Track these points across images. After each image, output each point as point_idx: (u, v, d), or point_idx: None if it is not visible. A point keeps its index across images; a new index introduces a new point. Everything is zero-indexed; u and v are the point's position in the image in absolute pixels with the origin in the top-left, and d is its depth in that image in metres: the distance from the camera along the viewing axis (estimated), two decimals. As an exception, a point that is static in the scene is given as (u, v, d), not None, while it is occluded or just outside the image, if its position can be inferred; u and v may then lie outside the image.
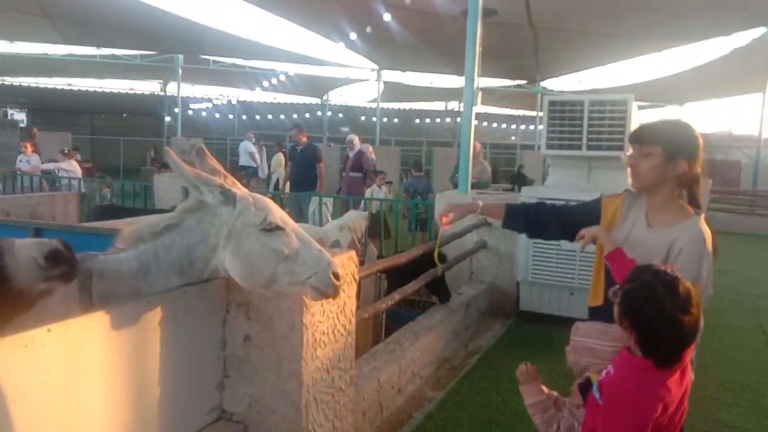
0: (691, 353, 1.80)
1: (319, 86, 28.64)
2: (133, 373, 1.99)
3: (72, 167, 11.48)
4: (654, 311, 1.70)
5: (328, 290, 2.01)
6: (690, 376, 1.84)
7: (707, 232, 2.12)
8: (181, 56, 22.70)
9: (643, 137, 2.17)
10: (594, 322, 2.11)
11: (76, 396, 1.80)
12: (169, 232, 2.12)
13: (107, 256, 2.13)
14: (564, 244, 4.94)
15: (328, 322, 2.52)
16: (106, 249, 2.18)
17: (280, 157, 14.93)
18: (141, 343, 2.02)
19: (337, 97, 31.95)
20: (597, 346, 1.98)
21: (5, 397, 1.61)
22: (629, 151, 2.24)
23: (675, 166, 2.11)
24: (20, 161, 11.60)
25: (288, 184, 10.47)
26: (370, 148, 11.24)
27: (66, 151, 12.11)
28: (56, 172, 11.31)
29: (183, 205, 2.16)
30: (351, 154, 10.97)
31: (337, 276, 2.00)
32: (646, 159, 2.14)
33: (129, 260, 2.11)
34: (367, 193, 10.28)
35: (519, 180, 15.03)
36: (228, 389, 2.41)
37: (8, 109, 31.74)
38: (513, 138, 35.57)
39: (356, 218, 6.20)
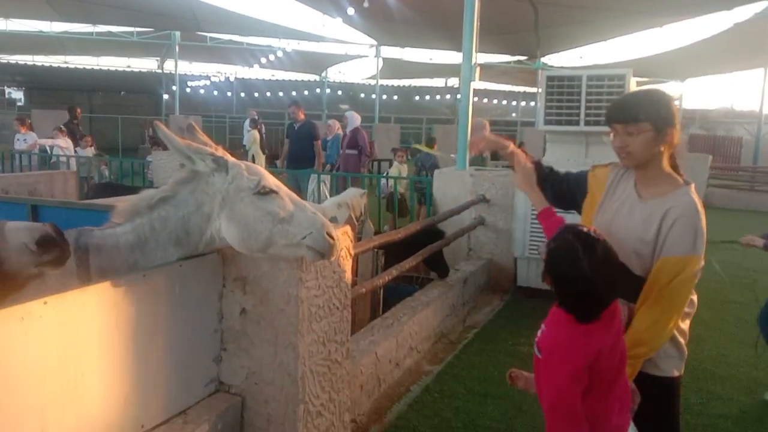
0: (616, 306, 1.87)
1: (317, 63, 28.40)
2: (131, 345, 2.01)
3: (67, 144, 11.44)
4: (570, 270, 1.78)
5: (324, 250, 2.03)
6: (620, 317, 1.89)
7: (700, 202, 2.12)
8: (178, 33, 22.49)
9: (629, 115, 2.10)
10: None
11: (74, 368, 1.82)
12: (164, 204, 2.13)
13: (104, 231, 2.15)
14: None
15: (324, 296, 2.53)
16: (102, 225, 2.20)
17: (255, 135, 14.91)
18: (138, 316, 2.04)
19: (335, 74, 31.71)
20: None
21: (2, 369, 1.63)
22: (612, 131, 2.16)
23: (664, 138, 2.10)
24: (17, 140, 11.56)
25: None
26: (357, 117, 11.10)
27: (62, 128, 12.04)
28: (50, 149, 11.27)
29: (176, 177, 2.17)
30: (347, 131, 10.94)
31: (332, 236, 2.02)
32: (637, 137, 2.09)
33: (126, 234, 2.13)
34: (393, 170, 10.18)
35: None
36: (225, 362, 2.44)
37: (5, 87, 31.57)
38: (513, 115, 35.42)
39: (354, 196, 6.21)
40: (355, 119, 10.93)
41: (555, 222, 2.24)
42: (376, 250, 4.80)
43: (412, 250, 4.80)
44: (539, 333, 1.92)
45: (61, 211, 3.56)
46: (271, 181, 2.11)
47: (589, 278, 1.75)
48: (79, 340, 1.83)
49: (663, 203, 2.10)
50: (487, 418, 3.59)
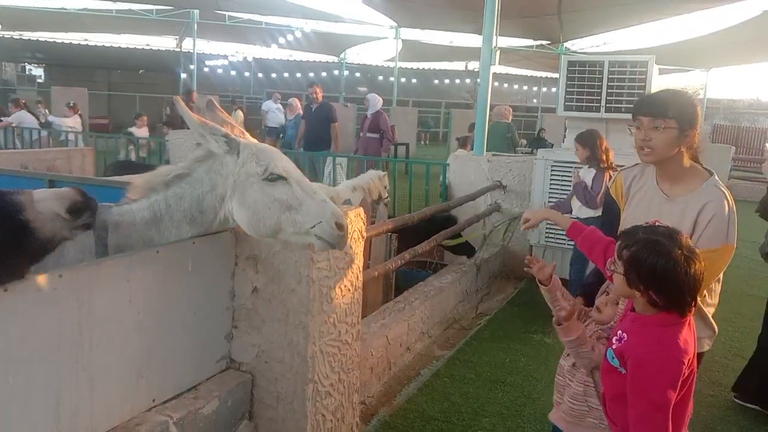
0: None
1: (336, 44, 28.22)
2: (143, 320, 2.03)
3: (75, 123, 11.52)
4: (668, 263, 1.69)
5: (333, 240, 2.01)
6: (694, 323, 1.84)
7: (726, 189, 2.18)
8: (197, 11, 22.42)
9: (656, 110, 2.15)
10: None
11: (88, 340, 1.85)
12: (180, 182, 2.13)
13: (121, 207, 2.16)
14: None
15: (335, 278, 2.54)
16: (119, 201, 2.20)
17: (239, 115, 14.94)
18: (151, 292, 2.05)
19: (354, 55, 31.49)
20: None
21: (18, 340, 1.65)
22: (636, 122, 2.21)
23: (687, 137, 2.15)
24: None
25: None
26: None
27: (72, 105, 12.12)
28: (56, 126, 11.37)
29: (193, 154, 2.17)
30: (369, 114, 10.78)
31: (341, 226, 1.99)
32: (661, 133, 2.13)
33: (142, 210, 2.14)
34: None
35: (538, 143, 14.83)
36: (237, 339, 2.46)
37: (26, 64, 31.81)
38: (534, 100, 35.05)
39: (373, 178, 6.15)
40: (377, 102, 10.67)
41: (590, 232, 2.28)
42: (389, 233, 4.79)
43: (422, 238, 4.79)
44: (615, 341, 1.82)
45: (79, 186, 3.58)
46: (282, 166, 2.08)
47: (687, 262, 1.69)
48: (93, 313, 1.85)
49: (696, 199, 2.15)
50: (497, 404, 3.59)
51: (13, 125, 10.78)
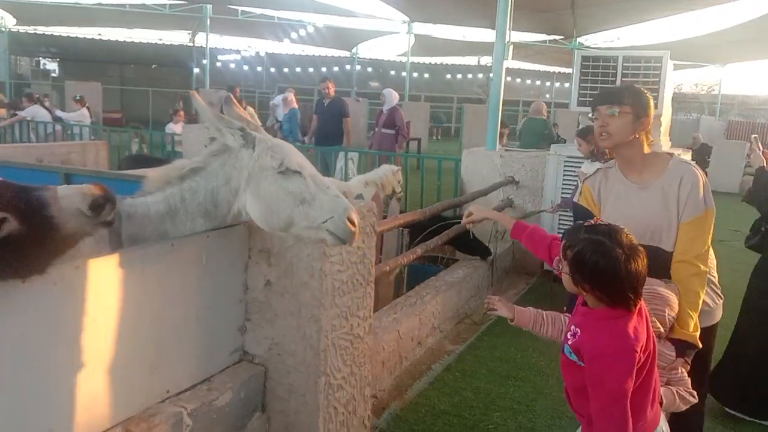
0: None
1: (348, 39, 28.23)
2: (158, 312, 2.05)
3: (83, 116, 11.59)
4: (609, 262, 1.74)
5: (344, 235, 2.00)
6: (646, 310, 1.90)
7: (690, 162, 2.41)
8: (209, 6, 22.51)
9: (611, 99, 2.35)
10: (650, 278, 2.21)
11: (104, 331, 1.87)
12: (195, 176, 2.15)
13: (135, 199, 2.17)
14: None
15: (348, 272, 2.54)
16: (134, 194, 2.22)
17: (250, 110, 14.98)
18: (166, 284, 2.07)
19: (366, 50, 31.47)
20: (665, 294, 2.17)
21: (35, 332, 1.67)
22: (594, 113, 2.40)
23: (642, 123, 2.35)
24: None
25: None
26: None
27: (78, 98, 12.19)
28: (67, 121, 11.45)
29: (208, 148, 2.18)
30: (384, 110, 10.72)
31: (353, 222, 1.99)
32: (617, 118, 2.32)
33: (156, 203, 2.15)
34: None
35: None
36: (250, 332, 2.47)
37: (41, 58, 32.07)
38: (547, 96, 34.84)
39: (386, 173, 6.15)
40: (392, 98, 10.62)
41: (533, 231, 2.41)
42: (401, 228, 4.79)
43: (431, 235, 4.79)
44: (570, 337, 1.86)
45: (94, 180, 3.61)
46: (297, 160, 2.08)
47: (628, 260, 1.73)
48: (108, 305, 1.87)
49: (670, 178, 2.33)
50: (508, 399, 3.59)
51: (27, 119, 10.88)
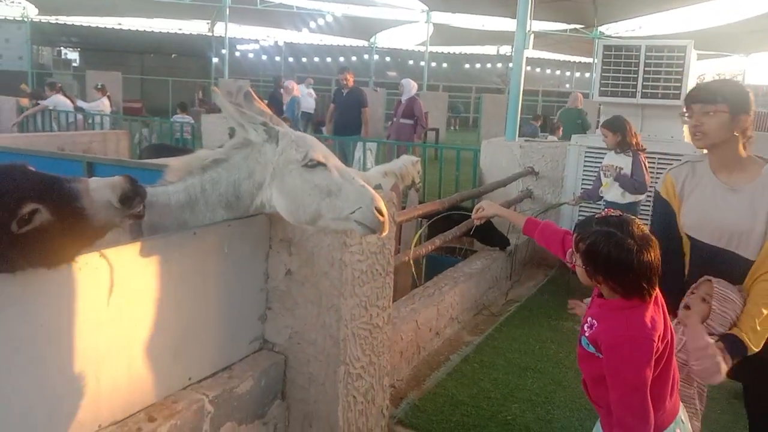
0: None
1: (366, 28, 28.14)
2: (180, 299, 2.07)
3: (104, 106, 11.67)
4: (621, 253, 1.73)
5: (373, 225, 1.99)
6: (662, 298, 1.88)
7: None
8: (229, -5, 22.56)
9: (707, 97, 2.23)
10: (720, 280, 2.21)
11: (127, 318, 1.89)
12: (217, 167, 2.16)
13: (156, 188, 2.19)
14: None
15: (367, 261, 2.54)
16: (156, 182, 2.24)
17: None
18: (188, 272, 2.09)
19: (384, 40, 31.36)
20: (736, 299, 2.15)
21: (62, 318, 1.70)
22: (687, 111, 2.29)
23: (740, 122, 2.21)
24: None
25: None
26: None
27: (99, 87, 12.27)
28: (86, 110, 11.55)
29: (231, 141, 2.19)
30: (403, 100, 10.64)
31: (380, 211, 1.98)
32: (712, 117, 2.20)
33: (177, 193, 2.17)
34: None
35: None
36: (270, 320, 2.49)
37: (62, 48, 32.38)
38: (567, 86, 34.48)
39: (406, 164, 6.12)
40: (411, 87, 10.55)
41: (545, 226, 2.39)
42: (420, 219, 4.78)
43: (447, 226, 4.77)
44: (587, 328, 1.86)
45: (116, 169, 3.66)
46: (322, 152, 2.08)
47: (640, 251, 1.73)
48: (132, 292, 1.90)
49: (762, 185, 2.21)
50: (526, 391, 3.58)
51: (50, 108, 11.00)
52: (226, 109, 2.09)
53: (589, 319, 1.87)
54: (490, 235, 5.33)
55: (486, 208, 2.67)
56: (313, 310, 2.43)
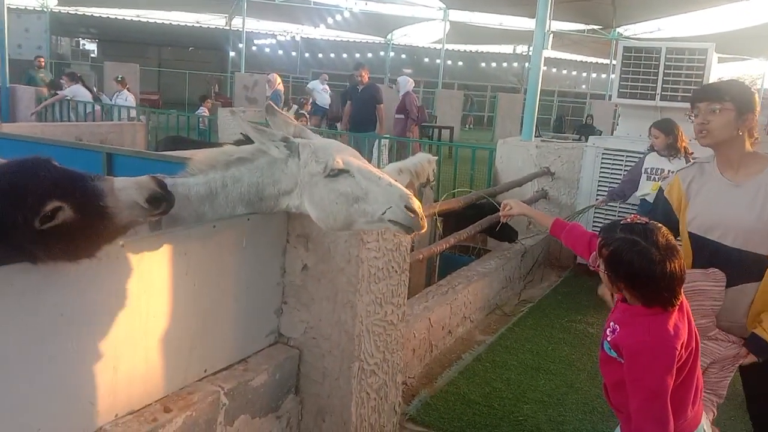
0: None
1: (383, 25, 28.10)
2: (198, 291, 2.08)
3: (130, 99, 11.75)
4: (644, 263, 1.71)
5: (407, 222, 1.96)
6: (687, 306, 1.86)
7: None
8: (247, -10, 22.64)
9: (712, 95, 2.25)
10: (690, 270, 2.17)
11: (145, 309, 1.90)
12: (241, 165, 2.16)
13: (176, 179, 2.19)
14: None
15: (384, 258, 2.55)
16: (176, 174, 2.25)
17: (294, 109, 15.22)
18: (206, 265, 2.10)
19: (401, 37, 31.28)
20: (707, 288, 2.14)
21: (82, 308, 1.71)
22: (693, 110, 2.31)
23: (746, 120, 2.23)
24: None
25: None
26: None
27: (119, 79, 12.36)
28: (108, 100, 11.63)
29: (258, 144, 2.20)
30: (400, 96, 10.86)
31: (411, 209, 1.95)
32: (719, 115, 2.22)
33: (197, 185, 2.17)
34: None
35: (587, 130, 14.60)
36: (286, 315, 2.50)
37: (80, 39, 32.59)
38: (583, 86, 34.26)
39: (422, 161, 6.12)
40: (406, 84, 10.75)
41: (572, 228, 2.38)
42: (435, 217, 4.78)
43: (467, 222, 4.76)
44: (609, 333, 1.84)
45: (135, 160, 3.67)
46: (343, 157, 2.05)
47: (663, 261, 1.71)
48: (151, 283, 1.91)
49: (765, 178, 2.21)
50: (539, 392, 3.57)
51: (68, 98, 11.10)
52: (248, 133, 2.11)
53: (611, 323, 1.86)
54: (499, 227, 5.31)
55: (515, 207, 2.65)
56: (329, 306, 2.43)
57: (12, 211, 1.45)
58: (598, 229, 2.21)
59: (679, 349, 1.73)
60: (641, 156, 5.12)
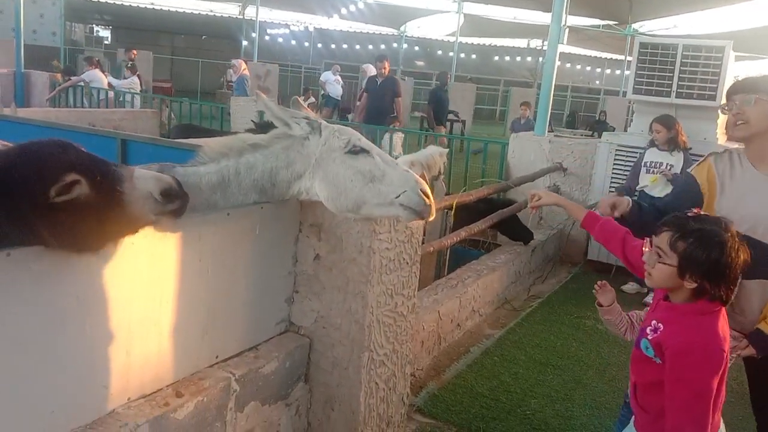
0: None
1: (397, 16, 27.99)
2: (211, 278, 2.09)
3: (134, 84, 11.79)
4: (726, 255, 1.70)
5: (419, 208, 1.98)
6: (724, 312, 1.84)
7: None
8: (261, -22, 22.60)
9: (748, 87, 2.26)
10: None
11: (159, 294, 1.92)
12: (254, 152, 2.17)
13: (187, 169, 2.19)
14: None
15: (395, 250, 2.55)
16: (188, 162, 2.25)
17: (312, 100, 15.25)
18: (219, 252, 2.11)
19: (414, 29, 31.15)
20: None
21: (97, 291, 1.73)
22: (728, 103, 2.29)
23: None
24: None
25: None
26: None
27: (129, 65, 12.40)
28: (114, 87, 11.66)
29: (274, 131, 2.21)
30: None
31: (426, 194, 1.97)
32: (755, 106, 2.20)
33: (209, 174, 2.17)
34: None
35: (600, 126, 14.50)
36: (297, 303, 2.51)
37: (94, 25, 32.72)
38: (597, 82, 34.03)
39: (434, 154, 6.10)
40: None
41: (606, 222, 2.30)
42: (446, 210, 4.77)
43: (477, 218, 4.75)
44: (650, 331, 1.80)
45: (149, 147, 3.70)
46: (363, 141, 2.12)
47: (738, 253, 1.71)
48: (165, 269, 1.92)
49: None
50: (546, 387, 3.57)
51: (82, 84, 11.15)
52: (270, 110, 2.14)
53: (653, 322, 1.81)
54: (514, 227, 5.30)
55: (544, 197, 2.55)
56: (340, 296, 2.44)
57: (32, 174, 1.46)
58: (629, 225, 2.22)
59: (726, 352, 1.72)
60: (641, 151, 5.31)
